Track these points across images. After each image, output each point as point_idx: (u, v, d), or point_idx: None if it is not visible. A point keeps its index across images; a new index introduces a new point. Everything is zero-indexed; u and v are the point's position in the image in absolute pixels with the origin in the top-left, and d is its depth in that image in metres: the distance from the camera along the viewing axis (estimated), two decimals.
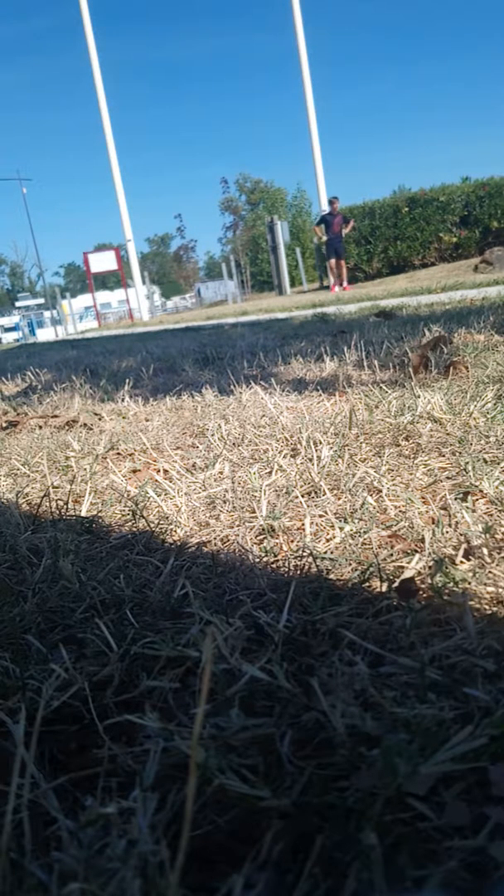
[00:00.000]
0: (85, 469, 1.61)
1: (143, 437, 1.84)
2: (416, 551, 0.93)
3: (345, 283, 16.26)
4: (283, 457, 1.46)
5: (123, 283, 21.29)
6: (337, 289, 15.82)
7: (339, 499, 1.17)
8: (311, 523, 1.07)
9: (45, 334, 31.02)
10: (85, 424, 2.23)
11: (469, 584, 0.82)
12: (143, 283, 22.53)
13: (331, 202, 16.67)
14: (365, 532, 1.01)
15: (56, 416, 2.40)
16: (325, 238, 16.21)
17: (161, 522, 1.18)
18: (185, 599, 0.88)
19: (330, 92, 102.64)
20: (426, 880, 0.46)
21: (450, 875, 0.46)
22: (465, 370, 2.11)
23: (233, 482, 1.33)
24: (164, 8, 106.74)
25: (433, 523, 1.01)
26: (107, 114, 16.81)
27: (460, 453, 1.31)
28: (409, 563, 0.89)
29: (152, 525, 1.17)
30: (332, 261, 16.28)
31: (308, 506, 1.15)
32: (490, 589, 0.80)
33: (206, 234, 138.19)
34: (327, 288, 17.08)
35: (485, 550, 0.88)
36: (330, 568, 0.92)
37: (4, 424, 2.42)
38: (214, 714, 0.63)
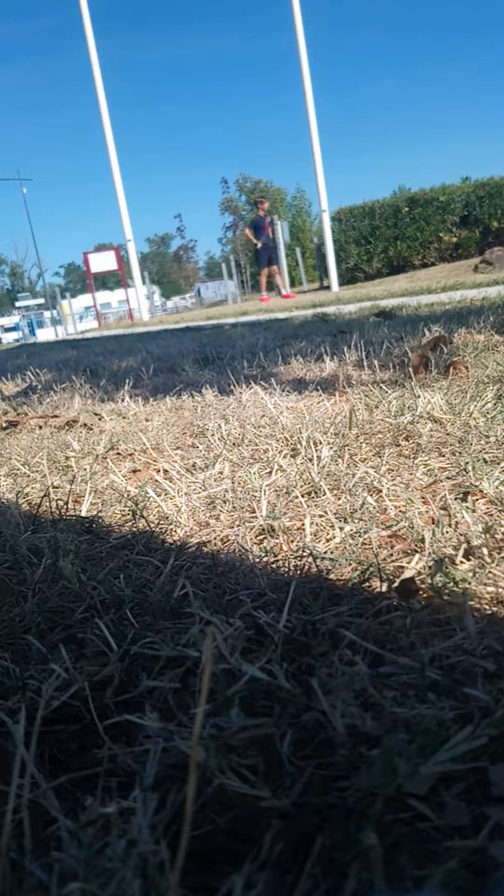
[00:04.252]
0: (85, 469, 1.61)
1: (143, 437, 1.84)
2: (416, 551, 0.93)
3: (286, 290, 15.16)
4: (283, 457, 1.46)
5: (123, 283, 21.26)
6: (268, 298, 14.68)
7: (339, 499, 1.17)
8: (311, 523, 1.07)
9: (45, 334, 30.99)
10: (85, 424, 2.23)
11: (469, 584, 0.82)
12: (143, 283, 22.50)
13: (258, 203, 15.58)
14: (365, 532, 1.01)
15: (56, 416, 2.40)
16: (259, 244, 15.05)
17: (161, 522, 1.18)
18: (185, 599, 0.87)
19: (330, 92, 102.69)
20: (426, 880, 0.46)
21: (450, 875, 0.46)
22: (465, 370, 2.11)
23: (233, 482, 1.33)
24: (164, 8, 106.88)
25: (433, 523, 1.01)
26: (107, 113, 16.74)
27: (460, 453, 1.31)
28: (409, 563, 0.89)
29: (152, 525, 1.17)
30: (267, 268, 15.05)
31: (308, 506, 1.15)
32: (490, 589, 0.80)
33: (206, 234, 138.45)
34: (328, 288, 16.86)
35: (485, 550, 0.88)
36: (330, 568, 0.92)
37: (4, 424, 2.42)
38: (214, 714, 0.63)
